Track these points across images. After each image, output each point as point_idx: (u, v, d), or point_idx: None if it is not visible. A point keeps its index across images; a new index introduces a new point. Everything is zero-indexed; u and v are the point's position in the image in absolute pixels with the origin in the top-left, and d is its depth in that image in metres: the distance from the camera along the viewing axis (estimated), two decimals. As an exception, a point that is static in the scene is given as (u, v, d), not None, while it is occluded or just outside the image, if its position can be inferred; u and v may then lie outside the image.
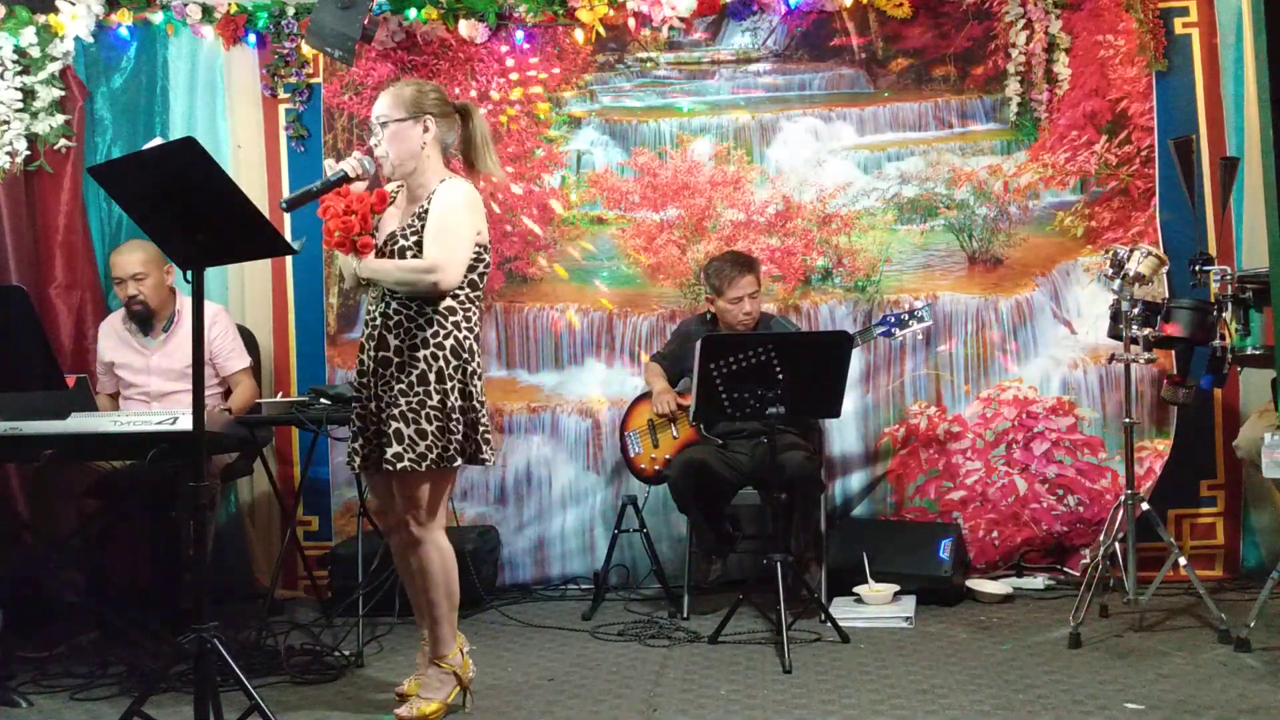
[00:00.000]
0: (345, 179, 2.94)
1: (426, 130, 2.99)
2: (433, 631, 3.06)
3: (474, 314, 3.01)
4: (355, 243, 2.95)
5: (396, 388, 2.92)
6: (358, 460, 3.02)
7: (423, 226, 2.94)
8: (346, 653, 3.60)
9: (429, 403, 2.90)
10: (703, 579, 4.22)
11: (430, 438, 2.89)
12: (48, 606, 3.88)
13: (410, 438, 2.88)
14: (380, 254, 2.98)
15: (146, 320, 4.26)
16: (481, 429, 2.99)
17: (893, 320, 4.20)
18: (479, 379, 3.00)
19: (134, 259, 4.17)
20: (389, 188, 3.13)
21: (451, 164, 3.14)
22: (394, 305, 2.96)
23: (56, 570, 3.81)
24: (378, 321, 2.99)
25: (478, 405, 2.98)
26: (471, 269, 2.99)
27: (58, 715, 3.18)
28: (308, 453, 4.57)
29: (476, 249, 2.99)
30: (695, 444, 4.18)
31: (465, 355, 2.96)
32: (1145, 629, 3.65)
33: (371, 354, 2.99)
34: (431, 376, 2.91)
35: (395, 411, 2.90)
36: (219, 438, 3.72)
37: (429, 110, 3.00)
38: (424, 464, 2.89)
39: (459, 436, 2.93)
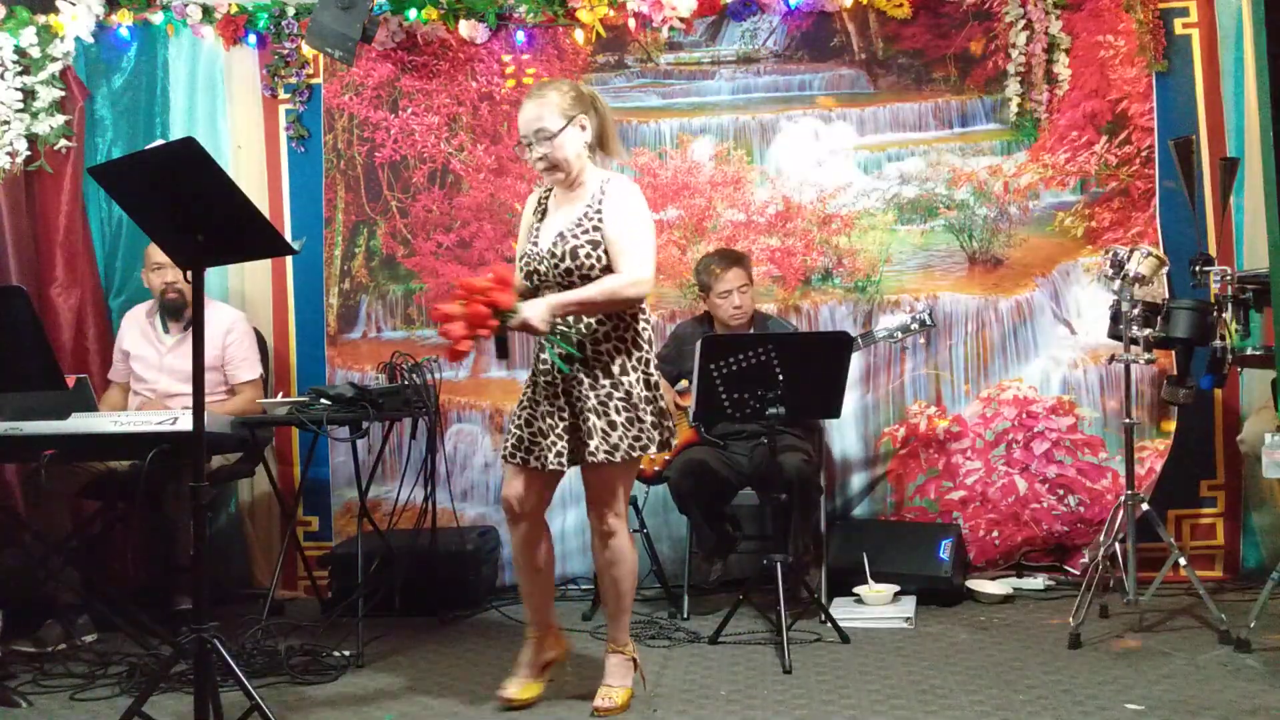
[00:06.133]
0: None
1: (584, 129, 3.05)
2: (618, 620, 3.12)
3: (645, 304, 3.07)
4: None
5: (585, 384, 2.97)
6: (534, 460, 3.01)
7: (593, 226, 2.98)
8: (346, 653, 3.60)
9: (615, 395, 2.96)
10: (703, 579, 4.22)
11: (620, 429, 2.95)
12: (48, 606, 3.88)
13: (603, 430, 2.94)
14: (549, 256, 2.99)
15: (179, 311, 4.26)
16: (667, 417, 3.04)
17: (895, 325, 4.19)
18: (658, 367, 3.07)
19: None
20: (532, 196, 3.19)
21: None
22: None
23: (56, 570, 3.81)
24: (556, 324, 2.98)
25: (660, 395, 3.03)
26: None
27: (58, 715, 3.18)
28: (308, 453, 4.58)
29: None
30: (695, 445, 4.18)
31: (645, 346, 3.03)
32: (1145, 629, 3.64)
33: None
34: (615, 369, 2.98)
35: (586, 406, 2.95)
36: (219, 439, 3.72)
37: (581, 110, 3.04)
38: (617, 455, 2.94)
39: (649, 425, 2.98)
